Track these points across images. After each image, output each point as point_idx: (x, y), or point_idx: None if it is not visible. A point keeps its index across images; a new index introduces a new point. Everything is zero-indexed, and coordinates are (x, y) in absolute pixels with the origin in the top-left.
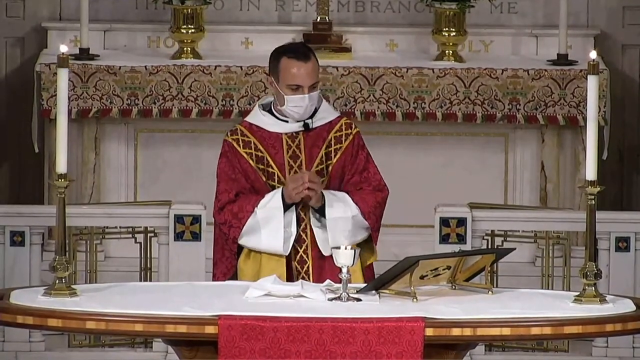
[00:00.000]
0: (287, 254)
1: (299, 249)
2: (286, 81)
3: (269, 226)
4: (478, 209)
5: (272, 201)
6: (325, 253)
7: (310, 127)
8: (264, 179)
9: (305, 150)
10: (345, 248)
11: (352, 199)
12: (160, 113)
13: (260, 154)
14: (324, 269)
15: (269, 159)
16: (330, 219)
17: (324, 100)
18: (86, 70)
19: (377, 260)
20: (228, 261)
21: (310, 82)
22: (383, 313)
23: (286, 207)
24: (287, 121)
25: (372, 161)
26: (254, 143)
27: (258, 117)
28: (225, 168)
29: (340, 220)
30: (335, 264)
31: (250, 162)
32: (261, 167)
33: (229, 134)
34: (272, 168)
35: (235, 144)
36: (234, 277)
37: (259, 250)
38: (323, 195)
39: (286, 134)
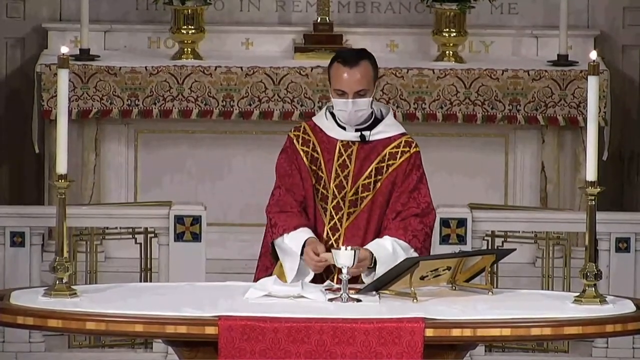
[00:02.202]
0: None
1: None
2: (334, 86)
3: (287, 259)
4: (478, 210)
5: (294, 244)
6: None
7: (367, 139)
8: (313, 180)
9: (356, 162)
10: (346, 248)
11: (404, 240)
12: (160, 114)
13: (316, 155)
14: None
15: (322, 162)
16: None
17: (390, 114)
18: (86, 70)
19: None
20: (266, 258)
21: (354, 89)
22: (383, 314)
23: None
24: (345, 128)
25: (425, 183)
26: (313, 143)
27: (322, 119)
28: (284, 163)
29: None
30: (336, 264)
31: (305, 160)
32: (313, 168)
33: (292, 130)
34: (322, 172)
35: (295, 140)
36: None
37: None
38: (374, 258)
39: (342, 141)
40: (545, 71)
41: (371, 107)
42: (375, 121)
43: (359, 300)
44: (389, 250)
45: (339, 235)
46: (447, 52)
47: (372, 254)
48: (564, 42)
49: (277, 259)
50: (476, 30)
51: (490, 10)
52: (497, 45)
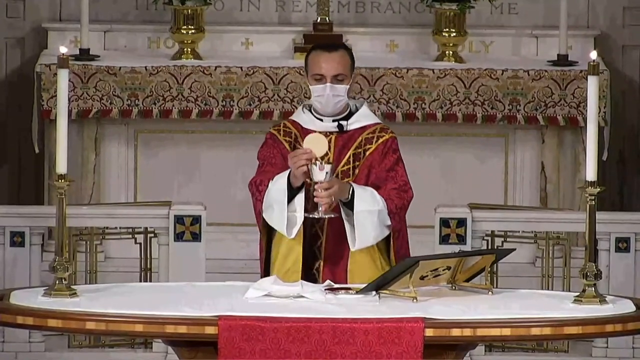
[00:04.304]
0: (292, 237)
1: (312, 245)
2: (311, 72)
3: (276, 205)
4: (478, 210)
5: (279, 182)
6: (352, 248)
7: (345, 129)
8: None
9: (335, 151)
10: (321, 163)
11: (379, 195)
12: (160, 114)
13: (298, 146)
14: (335, 268)
15: None
16: (357, 212)
17: (365, 105)
18: (86, 70)
19: None
20: (260, 242)
21: (332, 72)
22: (383, 313)
23: (296, 191)
24: (322, 120)
25: (402, 166)
26: (295, 134)
27: (299, 115)
28: (265, 153)
29: (368, 213)
30: (313, 179)
31: (288, 148)
32: None
33: (271, 127)
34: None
35: (276, 134)
36: (267, 260)
37: (273, 227)
38: (352, 189)
39: (320, 132)
40: (545, 71)
41: (347, 97)
42: (350, 113)
43: (337, 214)
44: (367, 189)
45: (323, 221)
46: (447, 52)
47: (351, 186)
48: (564, 42)
49: (269, 244)
50: (476, 30)
51: (490, 10)
52: (497, 45)
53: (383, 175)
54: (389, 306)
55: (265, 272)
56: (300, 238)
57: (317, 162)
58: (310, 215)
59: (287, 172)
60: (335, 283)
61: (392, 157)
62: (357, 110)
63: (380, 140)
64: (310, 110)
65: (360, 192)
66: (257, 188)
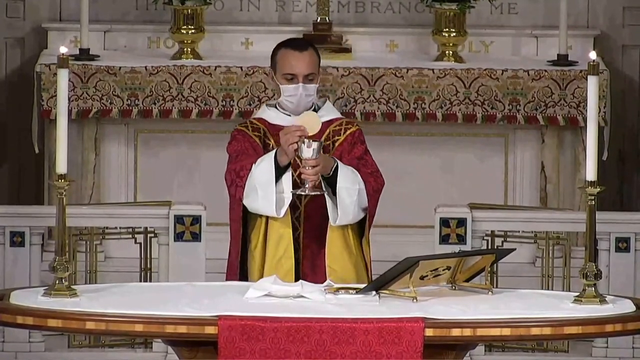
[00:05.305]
0: (281, 216)
1: (291, 236)
2: (282, 71)
3: (262, 187)
4: (478, 210)
5: (264, 163)
6: (332, 223)
7: None
8: None
9: None
10: (309, 141)
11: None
12: (160, 113)
13: (268, 141)
14: (314, 258)
15: (274, 147)
16: (340, 188)
17: (328, 101)
18: (86, 70)
19: (377, 260)
20: (236, 234)
21: (304, 72)
22: (383, 313)
23: (282, 171)
24: (289, 115)
25: (370, 155)
26: (263, 130)
27: (264, 113)
28: (236, 146)
29: (348, 190)
30: (301, 156)
31: (259, 142)
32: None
33: (237, 125)
34: None
35: (245, 129)
36: (245, 254)
37: (257, 212)
38: (336, 166)
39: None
40: (545, 71)
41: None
42: (315, 110)
43: (322, 192)
44: (350, 168)
45: (300, 212)
46: (447, 52)
47: (335, 162)
48: (564, 42)
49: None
50: (476, 30)
51: (490, 10)
52: (497, 45)
53: (354, 162)
54: (389, 306)
55: (242, 265)
56: (288, 222)
57: (306, 139)
58: (297, 192)
59: (272, 153)
60: (314, 272)
61: (361, 147)
62: (319, 107)
63: (348, 131)
64: (275, 107)
65: (344, 169)
66: (238, 174)
